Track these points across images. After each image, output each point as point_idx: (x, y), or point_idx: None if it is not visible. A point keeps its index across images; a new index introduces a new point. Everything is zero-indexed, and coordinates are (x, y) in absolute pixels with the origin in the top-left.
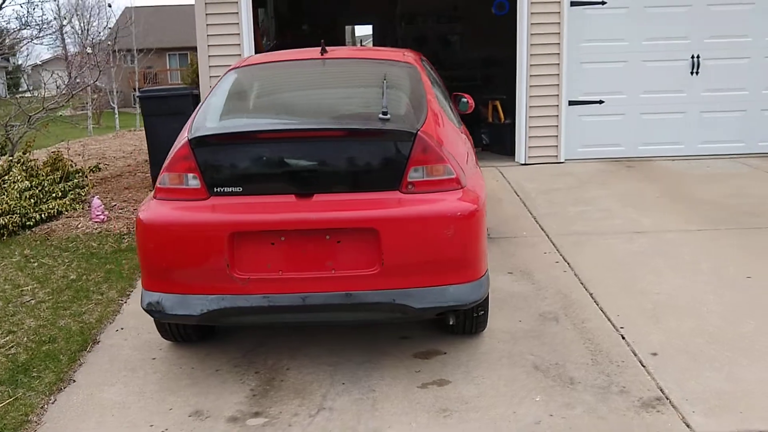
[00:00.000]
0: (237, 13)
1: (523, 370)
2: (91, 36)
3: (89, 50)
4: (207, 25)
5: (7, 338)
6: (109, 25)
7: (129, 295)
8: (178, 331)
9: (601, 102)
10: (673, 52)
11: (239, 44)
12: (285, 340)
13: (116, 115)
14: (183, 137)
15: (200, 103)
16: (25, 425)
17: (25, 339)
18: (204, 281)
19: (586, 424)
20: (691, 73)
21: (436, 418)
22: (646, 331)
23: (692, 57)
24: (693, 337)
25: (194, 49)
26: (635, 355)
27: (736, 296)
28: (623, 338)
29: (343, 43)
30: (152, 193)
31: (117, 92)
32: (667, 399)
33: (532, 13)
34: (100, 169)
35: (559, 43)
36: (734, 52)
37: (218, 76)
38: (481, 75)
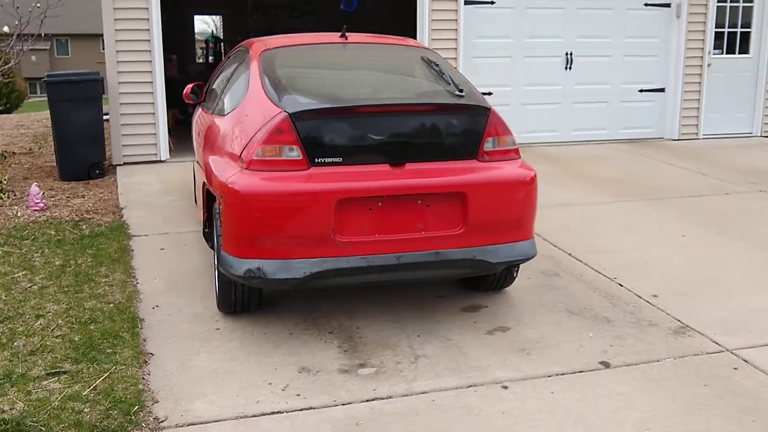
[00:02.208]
0: None
1: (562, 315)
2: None
3: None
4: (114, 9)
5: (39, 322)
6: None
7: (135, 276)
8: (243, 300)
9: (490, 94)
10: (551, 49)
11: (148, 29)
12: (336, 305)
13: None
14: (271, 112)
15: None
16: (144, 394)
17: (60, 321)
18: (307, 246)
19: (643, 349)
20: (566, 68)
21: (522, 356)
22: (635, 279)
23: (566, 54)
24: (675, 283)
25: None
26: (640, 298)
27: (684, 250)
28: (622, 286)
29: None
30: (233, 163)
31: None
32: (690, 327)
33: (432, 10)
34: (5, 157)
35: (456, 39)
36: (599, 50)
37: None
38: None
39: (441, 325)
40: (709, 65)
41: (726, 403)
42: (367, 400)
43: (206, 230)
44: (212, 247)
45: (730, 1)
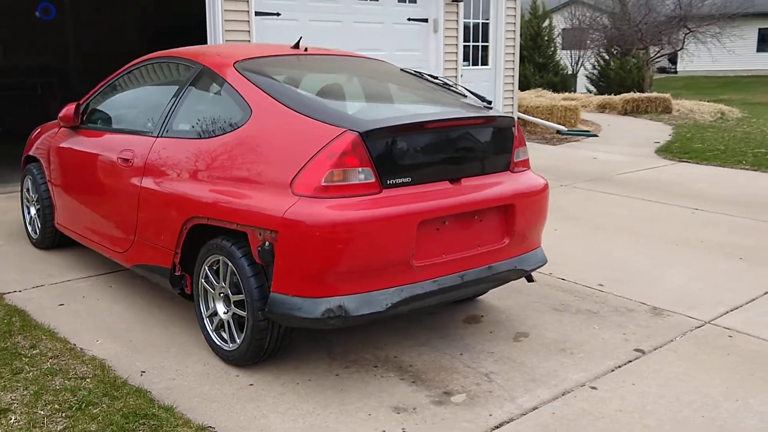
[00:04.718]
0: None
1: (553, 314)
2: None
3: None
4: None
5: (19, 423)
6: None
7: (70, 341)
8: (275, 346)
9: None
10: None
11: None
12: (348, 337)
13: None
14: (329, 132)
15: (257, 98)
16: None
17: (45, 412)
18: (387, 275)
19: (651, 333)
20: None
21: (568, 356)
22: (568, 272)
23: None
24: (603, 272)
25: None
26: (592, 288)
27: (577, 242)
28: (564, 280)
29: None
30: (278, 191)
31: None
32: (661, 308)
33: (226, 20)
34: None
35: None
36: None
37: None
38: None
39: (466, 339)
40: (461, 76)
41: (758, 366)
42: (496, 427)
43: (176, 273)
44: (183, 293)
45: (473, 19)
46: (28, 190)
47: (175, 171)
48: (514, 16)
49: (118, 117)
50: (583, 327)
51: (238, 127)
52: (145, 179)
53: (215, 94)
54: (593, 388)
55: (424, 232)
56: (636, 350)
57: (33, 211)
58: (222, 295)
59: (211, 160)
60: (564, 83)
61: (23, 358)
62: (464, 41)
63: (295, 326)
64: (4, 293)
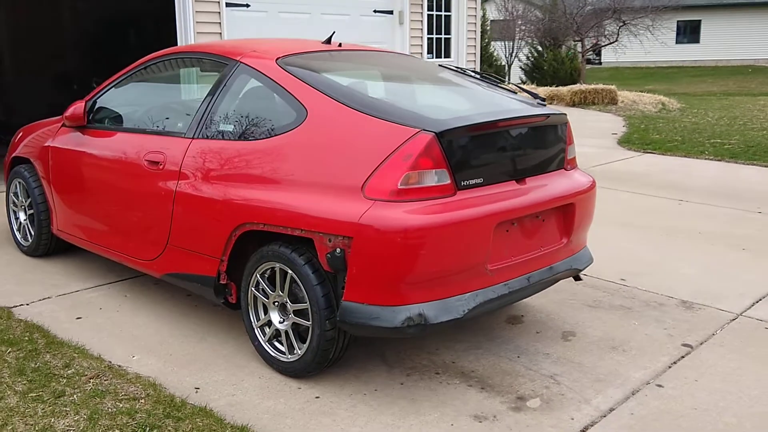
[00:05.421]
0: None
1: (589, 311)
2: None
3: None
4: None
5: None
6: None
7: (104, 358)
8: (339, 356)
9: None
10: None
11: None
12: (396, 342)
13: None
14: (401, 132)
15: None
16: None
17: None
18: (463, 280)
19: (691, 327)
20: None
21: (620, 354)
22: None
23: None
24: (618, 265)
25: None
26: (616, 283)
27: None
28: (586, 275)
29: None
30: (346, 196)
31: None
32: (690, 301)
33: (197, 12)
34: None
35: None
36: None
37: None
38: None
39: (516, 341)
40: None
41: None
42: (582, 431)
43: (221, 282)
44: (227, 303)
45: (436, 11)
46: (15, 194)
47: (219, 175)
48: (475, 8)
49: (137, 116)
50: (623, 323)
51: (293, 128)
52: (181, 183)
53: (260, 92)
54: (659, 386)
55: (498, 235)
56: (684, 345)
57: (23, 216)
58: (277, 304)
59: (264, 163)
60: (498, 74)
61: (60, 379)
62: (428, 33)
63: (368, 336)
64: (10, 307)
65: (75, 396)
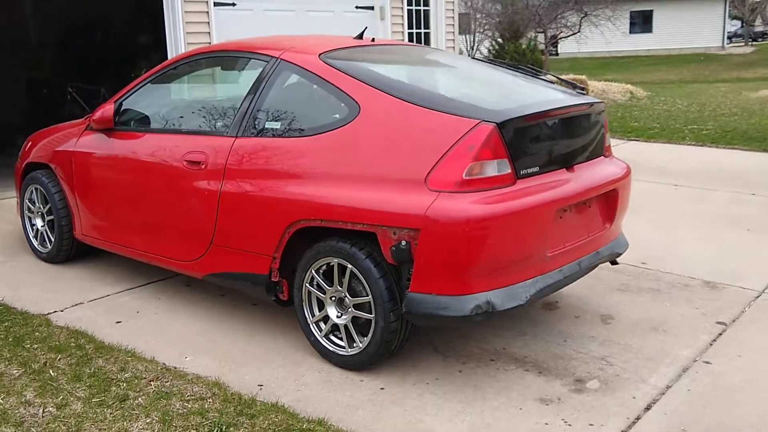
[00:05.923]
0: None
1: (619, 294)
2: None
3: None
4: None
5: None
6: None
7: (158, 361)
8: (399, 345)
9: None
10: None
11: None
12: (438, 331)
13: None
14: (461, 124)
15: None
16: None
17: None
18: (525, 267)
19: (721, 305)
20: None
21: (662, 334)
22: None
23: None
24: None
25: None
26: (637, 267)
27: None
28: None
29: None
30: (409, 188)
31: None
32: (713, 282)
33: (186, 12)
34: None
35: (209, 42)
36: None
37: None
38: None
39: (558, 326)
40: None
41: None
42: (646, 409)
43: (273, 279)
44: (278, 300)
45: (416, 6)
46: (31, 200)
47: (269, 172)
48: (453, 2)
49: (171, 117)
50: (655, 305)
51: (346, 123)
52: (226, 182)
53: (305, 88)
54: (707, 362)
55: (555, 222)
56: (718, 323)
57: (40, 222)
58: (334, 299)
59: (318, 159)
60: None
61: (120, 383)
62: (408, 28)
63: (436, 326)
64: (46, 314)
65: (140, 399)
